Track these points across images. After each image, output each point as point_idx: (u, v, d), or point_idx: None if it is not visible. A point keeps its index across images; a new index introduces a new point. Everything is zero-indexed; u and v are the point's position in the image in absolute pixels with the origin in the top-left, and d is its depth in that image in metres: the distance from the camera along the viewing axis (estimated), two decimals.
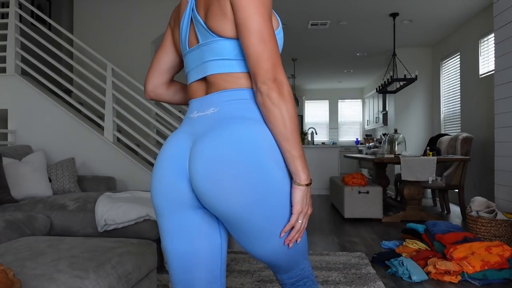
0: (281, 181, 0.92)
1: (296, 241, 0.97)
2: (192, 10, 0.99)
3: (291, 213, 0.94)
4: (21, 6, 5.05)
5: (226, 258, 1.08)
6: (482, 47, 5.32)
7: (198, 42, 0.99)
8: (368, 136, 10.58)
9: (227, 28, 0.93)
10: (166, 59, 1.14)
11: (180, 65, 1.17)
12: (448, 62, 6.48)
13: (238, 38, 0.93)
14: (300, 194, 0.92)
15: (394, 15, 5.41)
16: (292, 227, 0.94)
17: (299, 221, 0.94)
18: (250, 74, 0.92)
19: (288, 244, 0.97)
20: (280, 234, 0.94)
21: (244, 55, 0.95)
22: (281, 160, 0.93)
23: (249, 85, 0.96)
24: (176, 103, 1.24)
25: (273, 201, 0.91)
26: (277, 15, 1.03)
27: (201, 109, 0.98)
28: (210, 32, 0.94)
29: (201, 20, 0.96)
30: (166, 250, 1.01)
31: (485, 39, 5.22)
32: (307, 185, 0.93)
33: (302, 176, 0.92)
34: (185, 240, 0.98)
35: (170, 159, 0.97)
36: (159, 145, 5.33)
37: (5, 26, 5.04)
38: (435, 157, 4.46)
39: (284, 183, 0.92)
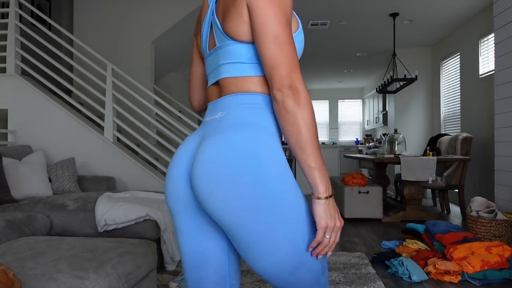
0: (282, 192, 0.86)
1: (317, 257, 0.91)
2: (212, 14, 1.00)
3: (313, 228, 0.90)
4: (21, 6, 5.05)
5: (238, 259, 1.06)
6: (482, 47, 5.32)
7: (215, 45, 1.00)
8: (368, 136, 10.58)
9: (243, 32, 0.92)
10: (201, 69, 1.14)
11: None
12: (448, 62, 6.48)
13: (254, 42, 0.92)
14: (321, 208, 0.87)
15: (394, 15, 5.41)
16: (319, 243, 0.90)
17: (327, 237, 0.88)
18: (267, 80, 0.91)
19: (292, 265, 0.90)
20: (307, 249, 0.89)
21: (258, 59, 0.93)
22: (284, 170, 0.88)
23: (261, 90, 0.94)
24: None
25: (270, 212, 0.85)
26: (297, 17, 1.01)
27: (212, 112, 0.99)
28: (225, 35, 0.94)
29: (218, 23, 0.96)
30: (179, 249, 1.03)
31: (485, 39, 5.22)
32: (327, 198, 0.87)
33: (320, 189, 0.86)
34: (192, 240, 1.00)
35: (179, 160, 0.98)
36: (159, 145, 5.33)
37: (5, 26, 5.04)
38: (435, 157, 4.46)
39: (288, 194, 0.87)
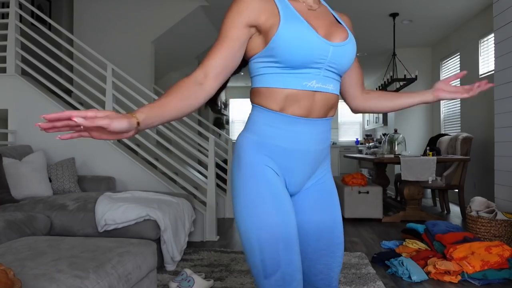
0: (236, 179, 1.06)
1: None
2: None
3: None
4: (21, 6, 5.05)
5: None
6: (482, 47, 5.32)
7: None
8: (368, 136, 10.58)
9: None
10: None
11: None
12: (448, 62, 6.48)
13: (250, 57, 1.05)
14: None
15: (394, 15, 5.41)
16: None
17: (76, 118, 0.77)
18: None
19: (246, 249, 1.03)
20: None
21: (251, 73, 1.08)
22: (242, 163, 1.05)
23: (253, 100, 1.09)
24: (380, 110, 1.32)
25: (235, 198, 1.06)
26: (280, 12, 0.98)
27: None
28: None
29: None
30: None
31: (485, 39, 5.22)
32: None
33: None
34: None
35: None
36: (159, 145, 5.33)
37: (5, 26, 5.02)
38: (435, 157, 4.46)
39: (239, 182, 1.04)
